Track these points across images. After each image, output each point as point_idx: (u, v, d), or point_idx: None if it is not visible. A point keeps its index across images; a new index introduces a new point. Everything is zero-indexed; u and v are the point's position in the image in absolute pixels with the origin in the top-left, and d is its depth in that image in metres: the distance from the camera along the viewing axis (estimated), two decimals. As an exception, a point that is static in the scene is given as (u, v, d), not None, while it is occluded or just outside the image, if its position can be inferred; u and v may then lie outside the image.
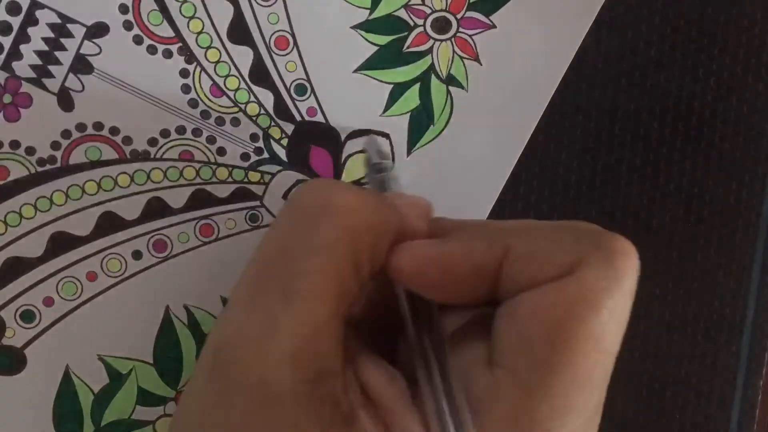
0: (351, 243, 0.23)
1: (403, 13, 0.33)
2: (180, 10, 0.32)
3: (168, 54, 0.32)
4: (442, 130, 0.33)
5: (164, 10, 0.32)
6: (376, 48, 0.33)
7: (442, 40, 0.33)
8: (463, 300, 0.24)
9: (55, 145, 0.32)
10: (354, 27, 0.33)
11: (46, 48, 0.31)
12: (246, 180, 0.33)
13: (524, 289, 0.22)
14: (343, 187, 0.24)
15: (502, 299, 0.23)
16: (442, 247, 0.24)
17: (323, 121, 0.33)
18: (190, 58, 0.32)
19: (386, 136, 0.33)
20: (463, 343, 0.24)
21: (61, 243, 0.32)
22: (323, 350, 0.22)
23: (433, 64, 0.33)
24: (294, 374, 0.21)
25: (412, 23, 0.33)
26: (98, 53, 0.32)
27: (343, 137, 0.33)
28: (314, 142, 0.33)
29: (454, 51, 0.33)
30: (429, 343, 0.24)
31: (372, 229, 0.23)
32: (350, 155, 0.33)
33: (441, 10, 0.33)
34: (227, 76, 0.32)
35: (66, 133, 0.32)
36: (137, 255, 0.32)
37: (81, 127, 0.32)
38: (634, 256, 0.23)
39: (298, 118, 0.33)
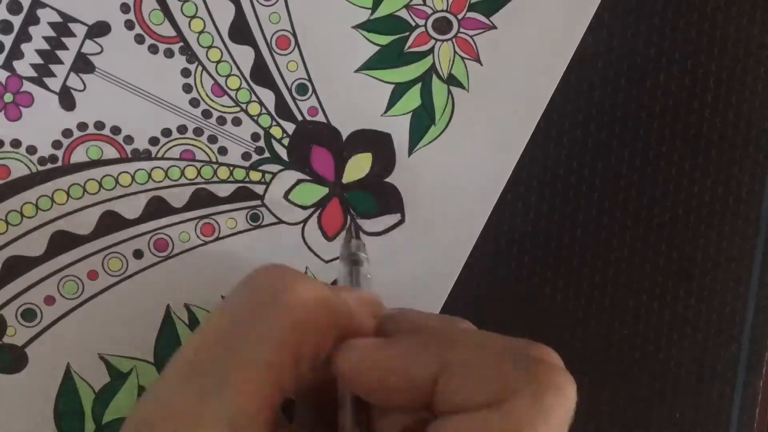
0: (295, 338, 0.23)
1: (404, 13, 0.33)
2: (181, 10, 0.32)
3: (169, 53, 0.32)
4: (444, 130, 0.33)
5: (166, 10, 0.32)
6: (377, 48, 0.33)
7: (443, 41, 0.33)
8: (402, 405, 0.24)
9: (57, 144, 0.32)
10: (355, 27, 0.33)
11: (47, 47, 0.31)
12: (247, 179, 0.33)
13: (454, 411, 0.22)
14: (296, 277, 0.24)
15: (436, 413, 0.23)
16: (383, 352, 0.24)
17: (324, 120, 0.33)
18: (192, 57, 0.32)
19: (387, 136, 0.33)
20: None
21: (62, 242, 0.32)
22: None
23: (434, 64, 0.33)
24: None
25: (413, 23, 0.33)
26: (100, 52, 0.32)
27: (344, 137, 0.33)
28: (315, 141, 0.33)
29: (455, 51, 0.33)
30: None
31: (318, 326, 0.23)
32: (351, 155, 0.33)
33: (442, 11, 0.33)
34: (228, 75, 0.32)
35: (67, 132, 0.32)
36: (138, 254, 0.32)
37: (82, 126, 0.32)
38: (566, 389, 0.22)
39: (299, 117, 0.33)
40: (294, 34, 0.32)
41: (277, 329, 0.23)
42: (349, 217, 0.33)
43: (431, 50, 0.33)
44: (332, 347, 0.24)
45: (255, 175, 0.33)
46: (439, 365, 0.23)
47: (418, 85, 0.33)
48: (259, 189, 0.33)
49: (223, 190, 0.33)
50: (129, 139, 0.32)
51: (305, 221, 0.33)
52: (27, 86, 0.31)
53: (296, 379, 0.23)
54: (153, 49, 0.32)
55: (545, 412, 0.22)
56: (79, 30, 0.31)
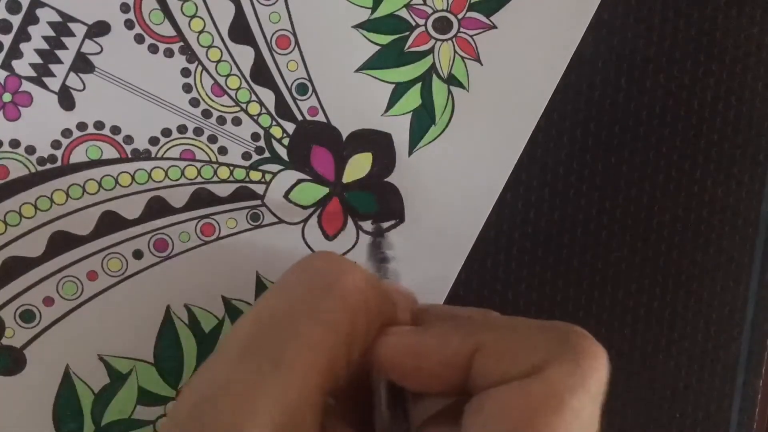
0: (349, 322, 0.23)
1: (404, 13, 0.33)
2: (181, 9, 0.32)
3: (169, 53, 0.32)
4: (444, 129, 0.33)
5: (165, 9, 0.32)
6: (377, 47, 0.33)
7: (443, 40, 0.33)
8: (437, 390, 0.25)
9: (56, 144, 0.32)
10: (355, 26, 0.33)
11: (46, 47, 0.31)
12: (247, 179, 0.33)
13: (493, 386, 0.23)
14: (351, 264, 0.25)
15: (473, 393, 0.23)
16: (418, 337, 0.25)
17: (324, 120, 0.33)
18: (192, 57, 0.32)
19: (388, 136, 0.33)
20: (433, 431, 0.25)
21: (61, 242, 0.32)
22: (304, 422, 0.22)
23: (434, 63, 0.33)
24: None
25: (413, 23, 0.33)
26: (99, 52, 0.31)
27: (344, 137, 0.33)
28: (315, 141, 0.33)
29: (455, 51, 0.33)
30: (398, 430, 0.25)
31: (370, 311, 0.24)
32: (351, 155, 0.33)
33: (442, 10, 0.33)
34: (228, 75, 0.32)
35: (67, 132, 0.32)
36: (138, 254, 0.32)
37: (82, 126, 0.32)
38: (601, 357, 0.23)
39: (299, 117, 0.33)
40: (294, 34, 0.32)
41: (332, 312, 0.23)
42: (371, 219, 0.33)
43: (431, 50, 0.33)
44: (375, 336, 0.25)
45: (255, 175, 0.33)
46: (473, 345, 0.23)
47: (419, 85, 0.33)
48: (259, 189, 0.33)
49: (223, 190, 0.33)
50: (129, 139, 0.32)
51: (305, 221, 0.33)
52: (26, 86, 0.31)
53: (348, 364, 0.24)
54: (153, 49, 0.32)
55: (583, 377, 0.22)
56: (79, 30, 0.31)
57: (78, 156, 0.32)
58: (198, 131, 0.32)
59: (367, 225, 0.33)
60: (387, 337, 0.25)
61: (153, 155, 0.32)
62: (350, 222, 0.33)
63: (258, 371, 0.22)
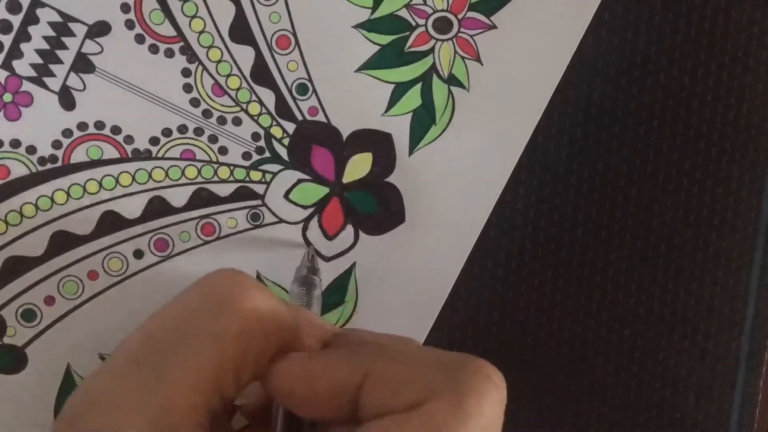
0: (241, 344, 0.23)
1: (404, 13, 0.33)
2: (182, 10, 0.32)
3: (170, 53, 0.32)
4: (444, 130, 0.33)
5: (166, 10, 0.32)
6: (377, 47, 0.33)
7: (443, 40, 0.33)
8: (328, 418, 0.24)
9: (57, 144, 0.32)
10: (355, 26, 0.33)
11: (47, 47, 0.31)
12: (247, 179, 0.33)
13: (376, 417, 0.22)
14: (252, 285, 0.24)
15: (361, 422, 0.23)
16: (309, 363, 0.24)
17: (324, 120, 0.33)
18: (192, 57, 0.32)
19: (388, 136, 0.33)
20: None
21: (62, 242, 0.32)
22: None
23: (434, 63, 0.33)
24: None
25: (413, 23, 0.33)
26: (100, 52, 0.32)
27: (344, 137, 0.33)
28: (315, 141, 0.33)
29: (455, 51, 0.33)
30: None
31: (265, 334, 0.23)
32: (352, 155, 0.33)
33: (442, 11, 0.33)
34: (229, 75, 0.32)
35: (67, 132, 0.32)
36: (138, 254, 0.32)
37: (82, 126, 0.32)
38: (489, 396, 0.22)
39: (299, 117, 0.33)
40: (294, 34, 0.32)
41: (224, 332, 0.22)
42: (308, 244, 0.33)
43: (431, 50, 0.33)
44: (270, 360, 0.24)
45: (255, 175, 0.33)
46: (362, 374, 0.23)
47: (419, 85, 0.33)
48: (259, 189, 0.33)
49: (224, 190, 0.33)
50: (129, 139, 0.32)
51: (306, 221, 0.33)
52: (27, 86, 0.31)
53: (237, 386, 0.23)
54: (153, 49, 0.32)
55: (465, 415, 0.22)
56: (79, 30, 0.31)
57: (79, 156, 0.32)
58: (198, 131, 0.32)
59: (366, 224, 0.33)
60: (281, 362, 0.24)
61: (153, 155, 0.32)
62: (350, 222, 0.33)
63: (138, 385, 0.21)
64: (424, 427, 0.21)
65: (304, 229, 0.33)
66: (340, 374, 0.23)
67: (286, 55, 0.33)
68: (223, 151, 0.32)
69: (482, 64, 0.33)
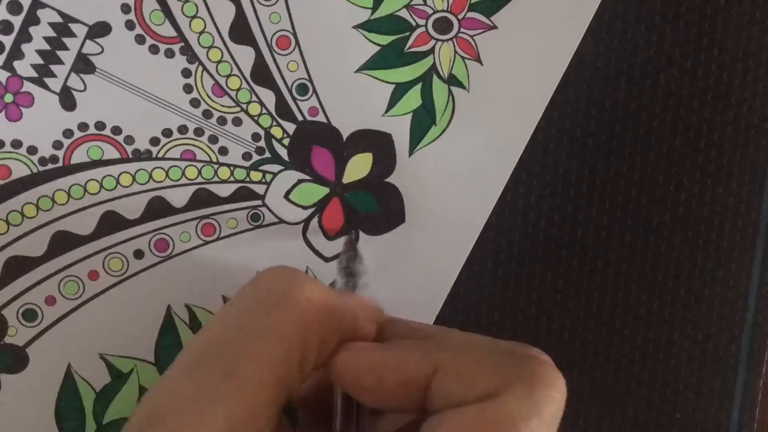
0: (302, 335, 0.23)
1: (404, 13, 0.33)
2: (182, 10, 0.32)
3: (170, 54, 0.32)
4: (444, 130, 0.33)
5: (166, 10, 0.32)
6: (377, 48, 0.33)
7: (443, 41, 0.33)
8: (394, 407, 0.25)
9: (57, 145, 0.32)
10: (356, 27, 0.33)
11: (48, 47, 0.31)
12: (248, 179, 0.33)
13: (449, 407, 0.23)
14: (303, 278, 0.25)
15: (430, 412, 0.24)
16: (378, 354, 0.25)
17: (325, 121, 0.33)
18: (192, 57, 0.32)
19: (388, 136, 0.33)
20: None
21: (63, 242, 0.32)
22: None
23: (434, 64, 0.33)
24: None
25: (413, 23, 0.33)
26: (100, 53, 0.32)
27: (344, 137, 0.33)
28: (316, 142, 0.33)
29: (455, 51, 0.33)
30: None
31: (323, 325, 0.24)
32: (352, 155, 0.33)
33: (442, 11, 0.33)
34: (229, 75, 0.32)
35: (68, 133, 0.32)
36: (139, 254, 0.32)
37: (83, 126, 0.32)
38: (557, 384, 0.23)
39: (299, 117, 0.33)
40: (294, 34, 0.32)
41: (285, 327, 0.23)
42: (350, 231, 0.33)
43: (432, 50, 0.33)
44: (334, 349, 0.25)
45: (256, 175, 0.33)
46: (433, 366, 0.24)
47: (419, 85, 0.33)
48: (259, 189, 0.33)
49: (224, 190, 0.33)
50: (130, 140, 0.32)
51: (306, 221, 0.33)
52: (27, 86, 0.31)
53: (301, 379, 0.24)
54: (153, 50, 0.32)
55: (537, 404, 0.22)
56: (80, 30, 0.31)
57: (79, 156, 0.32)
58: (199, 131, 0.32)
59: (366, 224, 0.33)
60: (347, 352, 0.25)
61: (154, 155, 0.32)
62: (350, 222, 0.33)
63: (208, 385, 0.22)
64: (501, 416, 0.22)
65: (305, 230, 0.33)
66: (411, 366, 0.24)
67: (286, 55, 0.33)
68: (223, 151, 0.32)
69: (482, 64, 0.33)
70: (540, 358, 0.24)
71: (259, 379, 0.22)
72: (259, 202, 0.33)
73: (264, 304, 0.24)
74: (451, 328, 0.27)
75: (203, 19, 0.32)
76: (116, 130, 0.32)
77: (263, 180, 0.33)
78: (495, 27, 0.33)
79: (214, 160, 0.33)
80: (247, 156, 0.33)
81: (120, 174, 0.32)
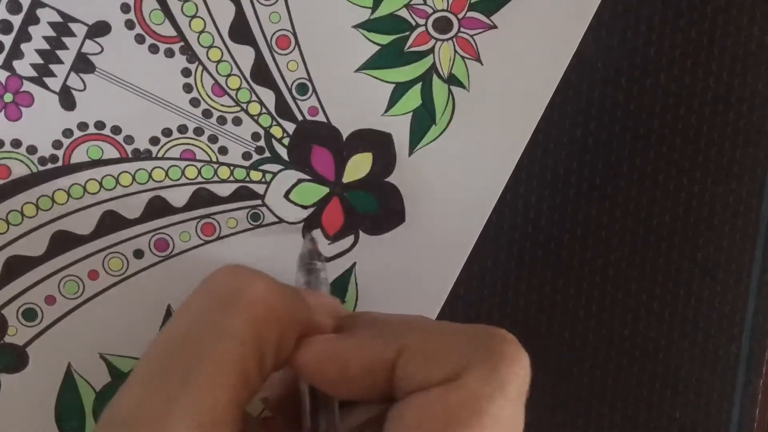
0: (257, 332, 0.23)
1: (404, 13, 0.33)
2: (182, 10, 0.32)
3: (170, 53, 0.32)
4: (444, 129, 0.33)
5: (166, 10, 0.32)
6: (377, 47, 0.33)
7: (443, 40, 0.33)
8: (362, 396, 0.25)
9: (57, 144, 0.32)
10: (355, 26, 0.33)
11: (47, 47, 0.31)
12: (247, 179, 0.33)
13: (414, 391, 0.23)
14: (256, 275, 0.24)
15: (397, 398, 0.23)
16: (339, 343, 0.24)
17: (325, 120, 0.33)
18: (192, 57, 0.32)
19: (388, 136, 0.33)
20: None
21: (62, 242, 0.32)
22: None
23: (434, 63, 0.33)
24: None
25: (413, 23, 0.33)
26: (100, 52, 0.32)
27: (344, 137, 0.33)
28: (316, 141, 0.33)
29: (455, 51, 0.33)
30: None
31: (279, 320, 0.24)
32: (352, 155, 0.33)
33: (442, 10, 0.33)
34: (229, 75, 0.32)
35: (67, 132, 0.32)
36: (139, 254, 0.32)
37: (83, 126, 0.32)
38: (520, 360, 0.23)
39: (299, 117, 0.33)
40: (294, 34, 0.32)
41: (238, 326, 0.23)
42: (304, 230, 0.33)
43: (432, 50, 0.33)
44: (294, 345, 0.25)
45: (255, 175, 0.33)
46: (396, 349, 0.23)
47: (419, 85, 0.33)
48: (259, 189, 0.33)
49: (224, 190, 0.33)
50: (129, 139, 0.32)
51: (306, 221, 0.33)
52: (27, 86, 0.31)
53: (262, 376, 0.23)
54: (153, 49, 0.32)
55: (501, 382, 0.22)
56: (80, 30, 0.31)
57: (79, 156, 0.32)
58: (198, 131, 0.32)
59: (366, 224, 0.33)
60: (308, 345, 0.24)
61: (153, 155, 0.32)
62: (350, 222, 0.33)
63: (168, 396, 0.21)
64: (466, 397, 0.22)
65: (304, 229, 0.33)
66: (373, 352, 0.24)
67: (286, 55, 0.33)
68: (223, 151, 0.32)
69: (482, 64, 0.33)
70: (502, 335, 0.24)
71: (216, 381, 0.22)
72: (258, 202, 0.33)
73: (216, 305, 0.23)
74: (417, 315, 0.27)
75: (203, 19, 0.32)
76: (116, 129, 0.32)
77: (263, 180, 0.33)
78: (495, 27, 0.33)
79: (214, 159, 0.32)
80: (246, 155, 0.33)
81: (120, 174, 0.32)
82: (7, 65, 0.31)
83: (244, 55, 0.32)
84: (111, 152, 0.32)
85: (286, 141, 0.33)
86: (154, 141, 0.32)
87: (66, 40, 0.31)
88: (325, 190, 0.33)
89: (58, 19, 0.31)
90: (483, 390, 0.22)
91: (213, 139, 0.32)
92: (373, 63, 0.33)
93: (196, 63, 0.32)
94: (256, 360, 0.23)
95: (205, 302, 0.24)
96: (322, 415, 0.25)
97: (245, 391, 0.23)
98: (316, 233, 0.33)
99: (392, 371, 0.23)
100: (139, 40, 0.32)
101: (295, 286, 0.29)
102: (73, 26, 0.31)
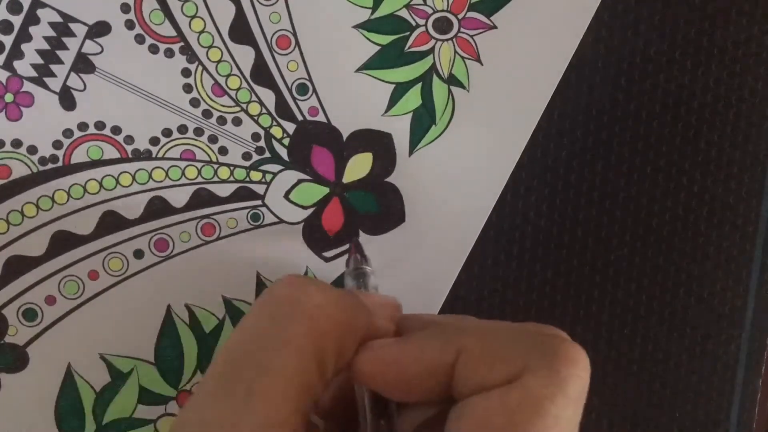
0: (317, 341, 0.23)
1: (404, 13, 0.33)
2: (182, 10, 0.32)
3: (170, 53, 0.32)
4: (444, 129, 0.33)
5: (166, 10, 0.32)
6: (377, 48, 0.33)
7: (443, 40, 0.33)
8: (421, 398, 0.25)
9: (57, 144, 0.32)
10: (356, 26, 0.33)
11: (47, 47, 0.31)
12: (247, 179, 0.33)
13: (474, 393, 0.23)
14: (313, 285, 0.24)
15: (457, 400, 0.23)
16: (398, 347, 0.25)
17: (325, 120, 0.33)
18: (192, 57, 0.32)
19: (388, 136, 0.33)
20: None
21: (63, 242, 0.32)
22: None
23: (434, 64, 0.33)
24: None
25: (413, 23, 0.33)
26: (100, 52, 0.32)
27: (344, 137, 0.33)
28: (316, 141, 0.33)
29: (455, 51, 0.33)
30: None
31: (339, 328, 0.24)
32: (352, 155, 0.33)
33: (442, 11, 0.33)
34: (229, 75, 0.32)
35: (68, 132, 0.32)
36: (139, 254, 0.32)
37: (83, 126, 0.32)
38: (580, 361, 0.23)
39: (299, 117, 0.33)
40: (294, 34, 0.32)
41: (297, 336, 0.23)
42: (352, 235, 0.33)
43: (432, 50, 0.33)
44: (356, 351, 0.25)
45: (255, 175, 0.33)
46: (455, 351, 0.23)
47: (419, 85, 0.33)
48: (259, 189, 0.33)
49: (224, 190, 0.33)
50: (129, 139, 0.32)
51: (306, 221, 0.33)
52: (27, 86, 0.31)
53: (324, 384, 0.24)
54: (153, 49, 0.32)
55: (562, 383, 0.22)
56: (80, 30, 0.31)
57: (79, 156, 0.32)
58: (198, 131, 0.32)
59: (366, 224, 0.33)
60: (368, 351, 0.25)
61: (154, 155, 0.32)
62: (350, 222, 0.33)
63: (233, 408, 0.22)
64: (527, 398, 0.22)
65: (304, 229, 0.33)
66: (432, 354, 0.24)
67: (286, 55, 0.33)
68: (223, 151, 0.32)
69: (482, 64, 0.33)
70: (561, 336, 0.24)
71: (281, 395, 0.22)
72: (259, 202, 0.33)
73: (276, 317, 0.24)
74: (465, 315, 0.27)
75: (203, 19, 0.32)
76: (116, 129, 0.32)
77: (263, 180, 0.33)
78: (495, 27, 0.33)
79: (214, 159, 0.32)
80: (246, 156, 0.33)
81: (120, 174, 0.32)
82: (8, 65, 0.31)
83: (244, 55, 0.32)
84: (111, 152, 0.32)
85: (286, 141, 0.33)
86: (154, 141, 0.32)
87: (66, 40, 0.31)
88: (325, 190, 0.33)
89: (58, 19, 0.31)
90: (544, 390, 0.22)
91: (213, 139, 0.32)
92: (373, 63, 0.33)
93: (196, 63, 0.32)
94: (317, 368, 0.23)
95: (266, 314, 0.24)
96: (381, 418, 0.25)
97: (308, 399, 0.23)
98: (363, 239, 0.33)
99: (451, 373, 0.23)
100: (139, 40, 0.32)
101: (352, 290, 0.29)
102: (73, 26, 0.31)
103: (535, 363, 0.22)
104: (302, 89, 0.33)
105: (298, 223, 0.33)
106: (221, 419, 0.22)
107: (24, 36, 0.31)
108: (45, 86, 0.31)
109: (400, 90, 0.33)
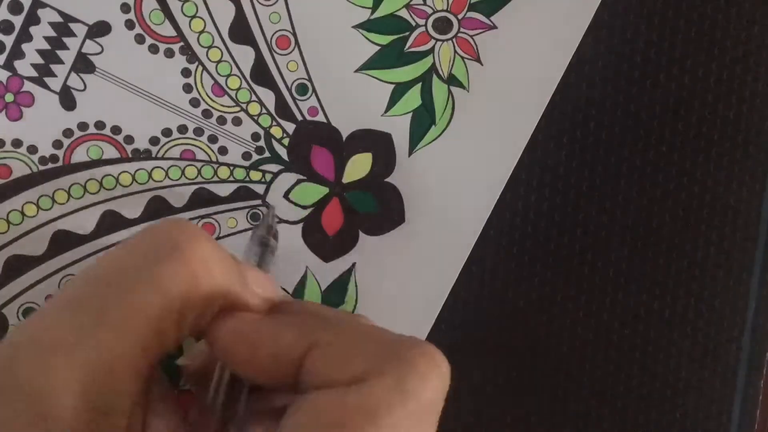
0: (185, 291, 0.22)
1: (404, 13, 0.33)
2: (182, 10, 0.32)
3: (170, 53, 0.32)
4: (444, 130, 0.33)
5: (166, 10, 0.32)
6: (377, 48, 0.33)
7: (443, 40, 0.33)
8: (267, 382, 0.24)
9: (57, 144, 0.32)
10: (355, 26, 0.33)
11: (48, 47, 0.31)
12: (247, 179, 0.33)
13: (317, 388, 0.22)
14: (200, 234, 0.23)
15: (300, 392, 0.23)
16: (255, 326, 0.24)
17: (324, 120, 0.33)
18: (192, 57, 0.32)
19: (388, 136, 0.33)
20: (255, 428, 0.25)
21: (63, 241, 0.32)
22: (116, 387, 0.21)
23: (434, 64, 0.33)
24: (75, 401, 0.20)
25: (413, 23, 0.33)
26: (100, 52, 0.32)
27: (344, 137, 0.33)
28: (315, 141, 0.33)
29: (455, 51, 0.33)
30: (220, 417, 0.24)
31: (211, 286, 0.23)
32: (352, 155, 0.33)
33: (442, 11, 0.33)
34: (229, 75, 0.32)
35: (68, 132, 0.32)
36: (139, 254, 0.32)
37: (83, 125, 0.32)
38: (432, 378, 0.22)
39: (299, 117, 0.33)
40: (294, 34, 0.33)
41: (169, 280, 0.22)
42: (267, 205, 0.33)
43: (431, 50, 0.33)
44: (213, 316, 0.24)
45: (255, 175, 0.33)
46: (308, 343, 0.23)
47: (419, 85, 0.33)
48: (259, 189, 0.33)
49: (224, 190, 0.33)
50: (129, 139, 0.32)
51: (306, 221, 0.33)
52: (28, 86, 0.31)
53: (177, 336, 0.23)
54: (153, 49, 0.32)
55: (404, 395, 0.21)
56: (80, 30, 0.31)
57: (79, 156, 0.32)
58: (198, 131, 0.32)
59: (366, 224, 0.33)
60: (225, 320, 0.24)
61: (153, 155, 0.32)
62: (350, 222, 0.33)
63: (77, 326, 0.21)
64: (363, 402, 0.21)
65: (304, 229, 0.33)
66: (286, 341, 0.23)
67: (286, 55, 0.33)
68: (223, 151, 0.33)
69: (482, 64, 0.33)
70: (423, 349, 0.23)
71: (132, 329, 0.21)
72: (258, 202, 0.33)
73: (153, 253, 0.23)
74: (357, 314, 0.26)
75: (203, 19, 0.32)
76: (116, 129, 0.32)
77: (263, 180, 0.33)
78: (495, 27, 0.33)
79: (214, 159, 0.33)
80: (246, 156, 0.33)
81: (120, 173, 0.32)
82: (9, 65, 0.31)
83: (244, 56, 0.32)
84: (111, 152, 0.32)
85: (285, 141, 0.33)
86: (154, 141, 0.32)
87: (66, 40, 0.31)
88: (324, 190, 0.33)
89: (58, 19, 0.31)
90: (382, 398, 0.21)
91: (213, 139, 0.32)
92: (373, 63, 0.33)
93: (196, 63, 0.32)
94: (175, 317, 0.22)
95: (143, 247, 0.23)
96: (228, 394, 0.25)
97: (156, 345, 0.22)
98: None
99: (300, 365, 0.23)
100: (139, 40, 0.32)
101: (241, 257, 0.28)
102: (73, 26, 0.31)
103: (384, 370, 0.22)
104: (302, 89, 0.33)
105: (298, 222, 0.33)
106: (64, 333, 0.21)
107: (24, 36, 0.31)
108: (45, 86, 0.31)
109: (399, 90, 0.33)
